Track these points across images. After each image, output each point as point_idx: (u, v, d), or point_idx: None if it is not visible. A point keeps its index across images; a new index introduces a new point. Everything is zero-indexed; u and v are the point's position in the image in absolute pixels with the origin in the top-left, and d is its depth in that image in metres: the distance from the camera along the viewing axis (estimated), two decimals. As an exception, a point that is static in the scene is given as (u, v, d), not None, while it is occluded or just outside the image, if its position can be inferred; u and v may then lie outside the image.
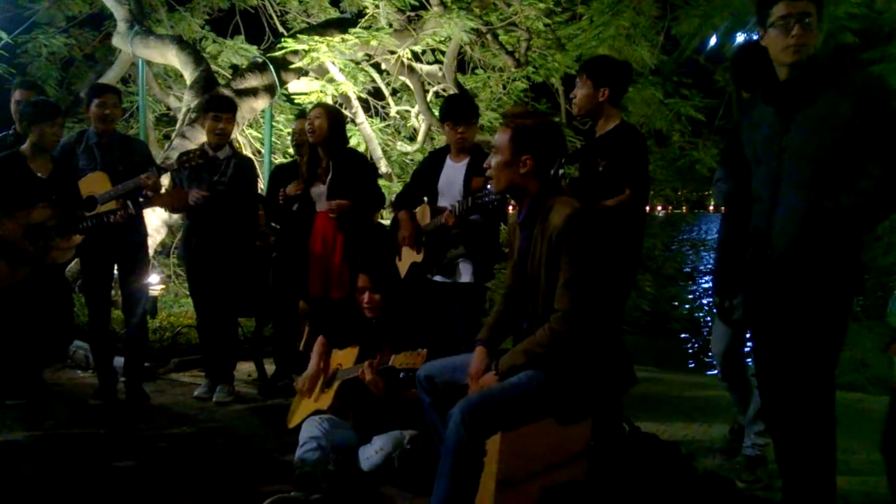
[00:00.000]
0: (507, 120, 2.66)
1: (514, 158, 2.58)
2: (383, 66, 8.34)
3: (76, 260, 4.40)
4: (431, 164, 4.04)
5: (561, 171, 3.01)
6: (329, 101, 7.34)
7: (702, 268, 18.42)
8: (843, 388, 5.35)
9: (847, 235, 2.37)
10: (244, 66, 7.49)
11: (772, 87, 2.47)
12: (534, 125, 2.60)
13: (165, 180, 5.47)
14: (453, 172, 3.90)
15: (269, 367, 4.98)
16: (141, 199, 4.19)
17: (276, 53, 7.21)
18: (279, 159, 7.84)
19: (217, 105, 4.57)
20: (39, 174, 3.86)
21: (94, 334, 4.49)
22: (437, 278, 3.91)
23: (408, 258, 4.07)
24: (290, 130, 6.02)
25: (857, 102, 2.30)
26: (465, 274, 3.83)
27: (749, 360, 3.37)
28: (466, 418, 2.37)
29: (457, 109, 3.96)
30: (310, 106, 7.30)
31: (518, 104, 8.35)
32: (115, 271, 4.56)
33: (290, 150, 5.36)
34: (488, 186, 3.43)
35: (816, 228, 2.35)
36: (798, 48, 2.36)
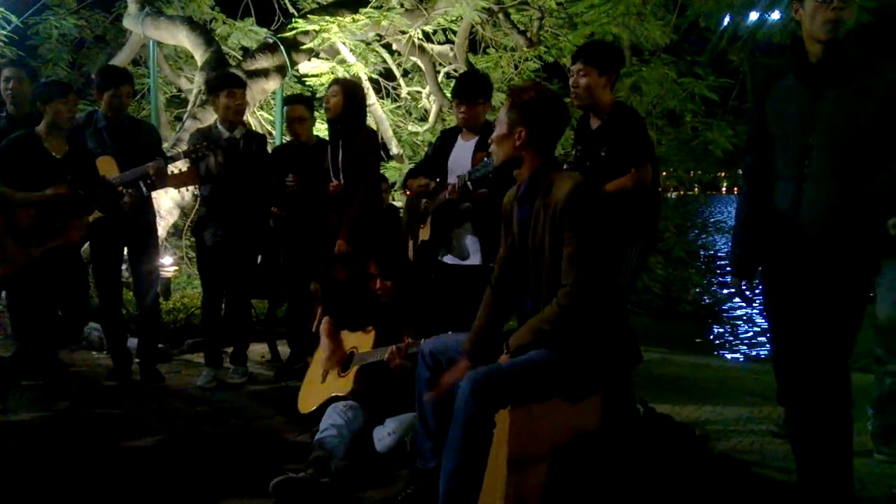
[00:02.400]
0: (508, 93, 2.66)
1: (510, 131, 2.58)
2: (394, 47, 8.29)
3: (89, 242, 4.41)
4: (443, 143, 4.00)
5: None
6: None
7: (711, 252, 18.35)
8: (858, 370, 5.33)
9: (873, 218, 2.35)
10: (254, 48, 7.46)
11: (802, 66, 2.44)
12: (530, 98, 2.58)
13: (180, 162, 5.48)
14: (462, 151, 3.84)
15: (283, 349, 5.00)
16: (149, 182, 4.20)
17: (287, 34, 7.16)
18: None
19: (230, 81, 4.54)
20: (54, 154, 3.86)
21: (105, 316, 4.51)
22: (448, 259, 3.88)
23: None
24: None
25: (893, 83, 2.28)
26: (474, 255, 3.77)
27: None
28: (476, 391, 2.37)
29: (459, 88, 3.93)
30: (320, 88, 7.34)
31: (528, 81, 8.28)
32: (126, 254, 4.56)
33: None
34: (485, 160, 3.40)
35: (847, 212, 2.33)
36: (836, 24, 2.33)
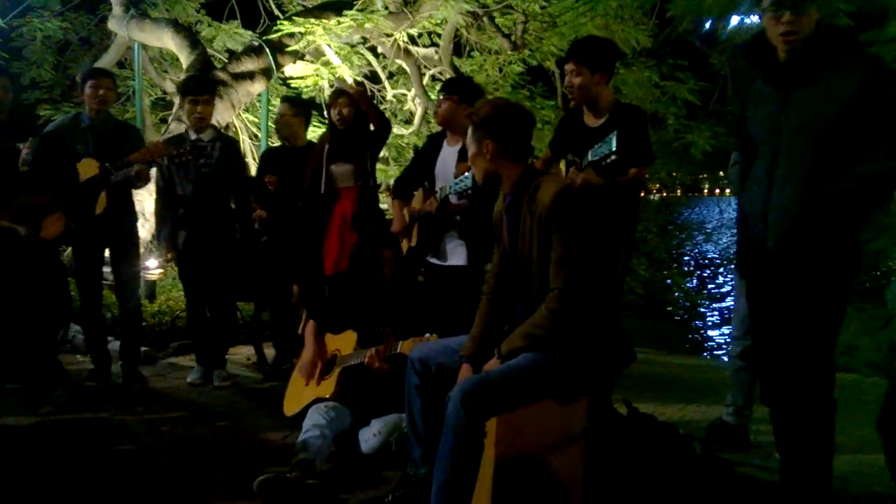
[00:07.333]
0: (469, 116, 2.71)
1: (479, 148, 2.64)
2: (379, 50, 8.31)
3: (70, 247, 4.39)
4: (429, 148, 4.02)
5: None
6: (325, 85, 7.33)
7: (687, 251, 18.43)
8: (836, 369, 5.38)
9: (844, 219, 2.38)
10: (240, 51, 7.46)
11: (771, 66, 2.46)
12: (487, 112, 2.63)
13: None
14: (447, 156, 3.85)
15: (268, 352, 5.00)
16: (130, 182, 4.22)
17: (272, 36, 7.17)
18: (276, 143, 7.82)
19: (192, 88, 4.52)
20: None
21: (85, 317, 4.50)
22: (432, 260, 3.90)
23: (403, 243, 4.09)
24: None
25: (866, 82, 2.27)
26: (459, 257, 3.79)
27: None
28: (466, 400, 2.38)
29: (441, 87, 3.99)
30: (305, 90, 7.35)
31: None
32: (108, 255, 4.54)
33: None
34: (466, 173, 3.44)
35: (813, 212, 2.36)
36: (790, 37, 2.35)
